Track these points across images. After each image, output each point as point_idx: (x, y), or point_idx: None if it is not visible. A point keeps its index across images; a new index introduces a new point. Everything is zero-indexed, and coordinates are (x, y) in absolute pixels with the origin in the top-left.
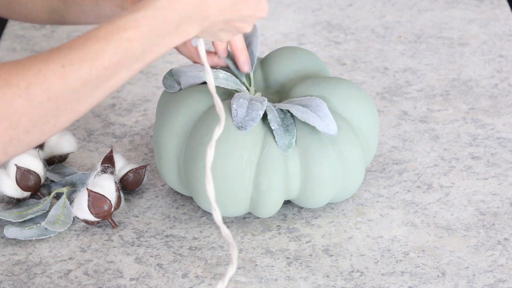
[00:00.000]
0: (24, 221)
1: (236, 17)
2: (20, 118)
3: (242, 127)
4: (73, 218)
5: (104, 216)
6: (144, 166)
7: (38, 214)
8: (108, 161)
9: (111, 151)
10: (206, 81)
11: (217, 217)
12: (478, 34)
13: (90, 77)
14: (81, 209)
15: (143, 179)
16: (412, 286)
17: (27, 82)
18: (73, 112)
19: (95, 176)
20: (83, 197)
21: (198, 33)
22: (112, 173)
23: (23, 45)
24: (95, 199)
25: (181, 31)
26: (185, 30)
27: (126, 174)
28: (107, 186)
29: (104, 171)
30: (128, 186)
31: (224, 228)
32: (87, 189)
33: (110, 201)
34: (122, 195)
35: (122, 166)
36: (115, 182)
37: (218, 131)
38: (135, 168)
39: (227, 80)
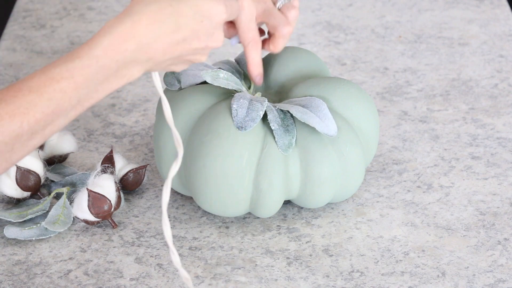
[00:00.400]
0: (24, 221)
1: (186, 52)
2: None
3: (242, 127)
4: (73, 218)
5: (104, 216)
6: (144, 166)
7: (38, 214)
8: (108, 161)
9: (111, 151)
10: (164, 113)
11: (176, 259)
12: (478, 34)
13: (22, 131)
14: (81, 209)
15: (143, 179)
16: (412, 286)
17: None
18: (7, 161)
19: (95, 176)
20: (83, 197)
21: (142, 73)
22: (112, 173)
23: (23, 45)
24: (95, 199)
25: (121, 75)
26: (126, 73)
27: (126, 174)
28: (107, 186)
29: (104, 171)
30: (128, 186)
31: (183, 272)
32: (87, 189)
33: (110, 201)
34: (122, 195)
35: (122, 166)
36: (115, 182)
37: (175, 167)
38: (135, 168)
39: (228, 80)
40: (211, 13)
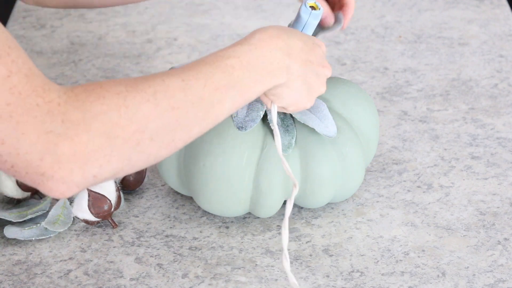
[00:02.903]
0: (24, 221)
1: (311, 70)
2: (147, 123)
3: (242, 127)
4: (73, 218)
5: (104, 216)
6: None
7: (38, 214)
8: None
9: None
10: (276, 146)
11: (287, 265)
12: (478, 34)
13: (204, 94)
14: (81, 209)
15: (144, 179)
16: (412, 286)
17: (153, 89)
18: (189, 130)
19: None
20: (83, 197)
21: (283, 82)
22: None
23: (23, 45)
24: (95, 199)
25: (273, 70)
26: (277, 70)
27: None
28: (107, 186)
29: None
30: (130, 186)
31: (292, 278)
32: (87, 189)
33: (110, 201)
34: (122, 195)
35: None
36: (115, 182)
37: (295, 191)
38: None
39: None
40: (321, 44)
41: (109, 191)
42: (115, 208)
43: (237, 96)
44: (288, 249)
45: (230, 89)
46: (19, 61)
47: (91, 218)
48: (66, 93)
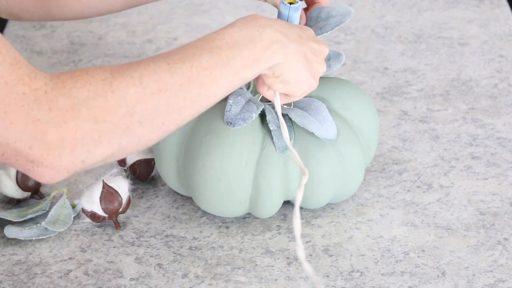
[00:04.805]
0: (24, 221)
1: (308, 47)
2: (135, 106)
3: (231, 123)
4: (73, 218)
5: (111, 213)
6: (152, 159)
7: (38, 214)
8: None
9: None
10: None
11: (301, 254)
12: (478, 34)
13: (192, 75)
14: (91, 200)
15: (153, 168)
16: (412, 286)
17: (139, 73)
18: (179, 113)
19: (111, 175)
20: (96, 188)
21: (282, 61)
22: (127, 177)
23: (23, 45)
24: (108, 193)
25: (263, 47)
26: (268, 47)
27: (135, 163)
28: (121, 186)
29: (119, 173)
30: (142, 174)
31: (308, 267)
32: (103, 180)
33: (121, 199)
34: (131, 199)
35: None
36: (129, 185)
37: (304, 180)
38: (145, 159)
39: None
40: (309, 29)
41: (122, 191)
42: (123, 210)
43: (230, 76)
44: (288, 249)
45: (221, 68)
46: (3, 50)
47: (99, 212)
48: (52, 80)
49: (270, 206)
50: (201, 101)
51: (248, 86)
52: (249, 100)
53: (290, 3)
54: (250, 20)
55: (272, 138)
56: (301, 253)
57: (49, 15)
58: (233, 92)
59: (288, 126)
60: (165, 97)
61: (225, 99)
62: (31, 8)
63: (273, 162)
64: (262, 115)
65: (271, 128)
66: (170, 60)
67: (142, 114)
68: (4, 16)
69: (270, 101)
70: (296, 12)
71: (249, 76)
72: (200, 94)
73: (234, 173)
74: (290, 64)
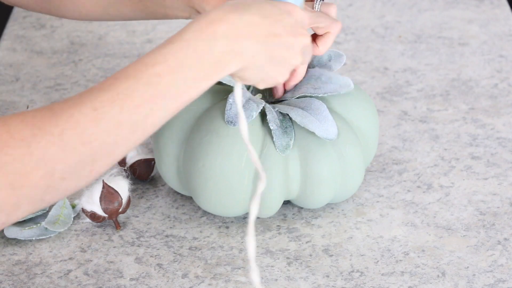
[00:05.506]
0: (24, 221)
1: (277, 43)
2: (55, 165)
3: (231, 122)
4: (73, 218)
5: (111, 213)
6: (152, 159)
7: (38, 214)
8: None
9: None
10: (241, 133)
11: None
12: (478, 34)
13: (123, 117)
14: (91, 200)
15: (153, 168)
16: (412, 286)
17: (61, 128)
18: (110, 156)
19: (111, 175)
20: (96, 188)
21: (239, 69)
22: (127, 177)
23: (23, 45)
24: (108, 193)
25: (216, 61)
26: (221, 60)
27: (135, 163)
28: (121, 186)
29: (119, 173)
30: (142, 174)
31: None
32: (103, 180)
33: (121, 199)
34: (131, 200)
35: (132, 155)
36: (129, 185)
37: (261, 187)
38: (145, 159)
39: (229, 76)
40: (293, 11)
41: (122, 191)
42: (123, 210)
43: (172, 103)
44: (288, 249)
45: (159, 100)
46: None
47: (99, 211)
48: None
49: (270, 206)
50: (136, 138)
51: (248, 86)
52: (249, 98)
53: None
54: (203, 26)
55: (272, 137)
56: (255, 277)
57: (48, 9)
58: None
59: (288, 126)
60: (90, 148)
61: (225, 98)
62: (32, 5)
63: (273, 162)
64: (263, 115)
65: (271, 128)
66: (97, 104)
67: (64, 171)
68: (6, 2)
69: (270, 101)
70: None
71: (195, 95)
72: (134, 132)
73: (234, 173)
74: (248, 67)
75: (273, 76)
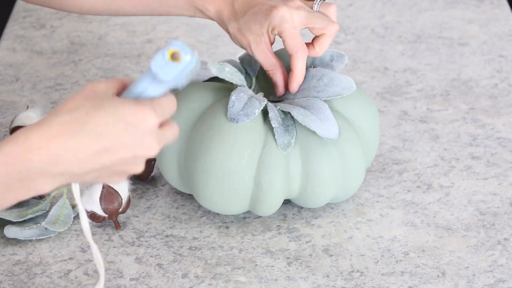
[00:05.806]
0: (24, 221)
1: (111, 162)
2: None
3: (234, 119)
4: (73, 218)
5: (111, 214)
6: (153, 158)
7: (38, 214)
8: None
9: None
10: (83, 228)
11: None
12: (478, 34)
13: None
14: (92, 201)
15: (153, 168)
16: (412, 286)
17: None
18: None
19: None
20: (96, 188)
21: (58, 186)
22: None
23: (23, 45)
24: (108, 193)
25: (26, 187)
26: (32, 186)
27: None
28: (121, 186)
29: None
30: (142, 174)
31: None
32: None
33: (121, 199)
34: (131, 200)
35: None
36: (129, 185)
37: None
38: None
39: (232, 75)
40: (136, 120)
41: (122, 191)
42: (123, 210)
43: None
44: (288, 249)
45: None
46: None
47: (99, 212)
48: None
49: (271, 204)
50: None
51: (250, 84)
52: (252, 96)
53: (174, 55)
54: (24, 150)
55: (274, 135)
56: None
57: (54, 4)
58: (236, 89)
59: (290, 124)
60: None
61: (228, 96)
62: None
63: (275, 160)
64: (265, 113)
65: (273, 126)
66: None
67: None
68: None
69: (272, 100)
70: (169, 75)
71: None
72: None
73: (235, 171)
74: (78, 181)
75: (113, 180)
